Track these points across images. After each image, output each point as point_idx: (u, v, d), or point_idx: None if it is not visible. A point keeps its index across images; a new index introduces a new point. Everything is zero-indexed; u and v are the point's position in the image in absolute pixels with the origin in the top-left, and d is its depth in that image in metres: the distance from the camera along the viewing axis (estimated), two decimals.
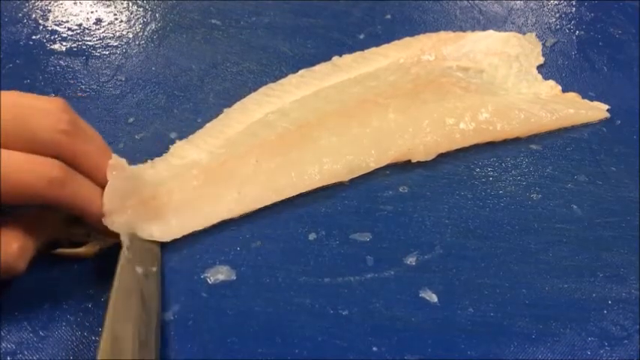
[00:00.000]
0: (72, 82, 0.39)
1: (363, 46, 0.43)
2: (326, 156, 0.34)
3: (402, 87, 0.39)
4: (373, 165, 0.35)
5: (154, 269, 0.29)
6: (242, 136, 0.35)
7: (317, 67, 0.41)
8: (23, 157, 0.25)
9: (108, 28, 0.44)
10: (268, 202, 0.33)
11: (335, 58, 0.41)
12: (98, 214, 0.28)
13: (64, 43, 0.42)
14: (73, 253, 0.29)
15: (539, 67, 0.43)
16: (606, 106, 0.40)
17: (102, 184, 0.28)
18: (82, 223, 0.29)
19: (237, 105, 0.38)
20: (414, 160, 0.35)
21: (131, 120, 0.37)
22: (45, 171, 0.25)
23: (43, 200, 0.26)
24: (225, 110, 0.37)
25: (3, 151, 0.25)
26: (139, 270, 0.28)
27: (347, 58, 0.42)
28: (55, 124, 0.26)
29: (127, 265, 0.28)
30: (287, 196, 0.33)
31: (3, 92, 0.26)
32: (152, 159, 0.34)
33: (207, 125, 0.36)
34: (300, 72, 0.40)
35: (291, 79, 0.40)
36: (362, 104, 0.37)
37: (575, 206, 0.34)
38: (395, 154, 0.35)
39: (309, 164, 0.34)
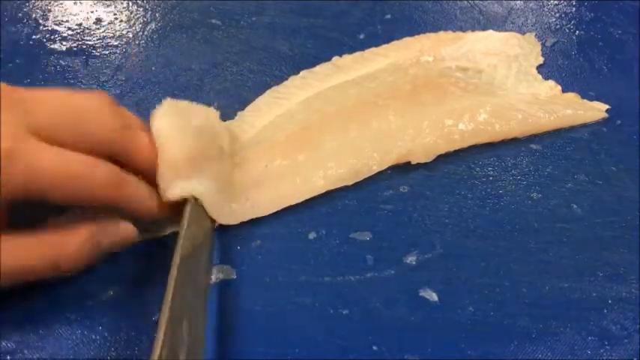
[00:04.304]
0: (72, 82, 0.39)
1: (363, 46, 0.43)
2: (330, 161, 0.34)
3: (401, 88, 0.39)
4: (376, 168, 0.34)
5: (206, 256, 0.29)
6: (255, 139, 0.35)
7: (318, 68, 0.41)
8: (82, 158, 0.25)
9: (108, 28, 0.44)
10: (275, 209, 0.33)
11: (335, 59, 0.41)
12: (149, 213, 0.28)
13: (64, 43, 0.42)
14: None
15: (539, 67, 0.43)
16: (606, 106, 0.40)
17: (152, 177, 0.29)
18: None
19: (250, 107, 0.38)
20: (413, 162, 0.35)
21: None
22: (101, 173, 0.26)
23: (98, 201, 0.26)
24: (239, 113, 0.37)
25: (64, 150, 0.25)
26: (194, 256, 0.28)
27: (347, 58, 0.42)
28: (107, 123, 0.27)
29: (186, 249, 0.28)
30: (293, 203, 0.33)
31: (53, 91, 0.27)
32: None
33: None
34: (302, 73, 0.40)
35: (294, 80, 0.40)
36: (361, 105, 0.37)
37: (575, 206, 0.34)
38: (395, 157, 0.35)
39: (314, 169, 0.34)
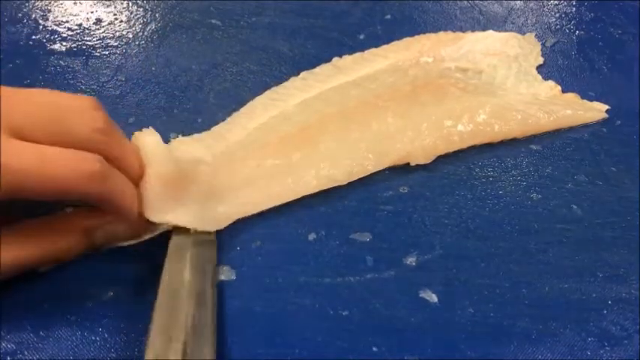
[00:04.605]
0: (72, 82, 0.39)
1: (362, 46, 0.43)
2: (324, 161, 0.34)
3: (401, 89, 0.39)
4: (371, 169, 0.34)
5: (209, 262, 0.29)
6: (245, 140, 0.35)
7: (318, 69, 0.41)
8: (64, 152, 0.25)
9: (108, 28, 0.44)
10: (265, 208, 0.32)
11: (335, 60, 0.41)
12: (133, 211, 0.28)
13: (64, 43, 0.42)
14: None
15: (539, 67, 0.43)
16: (605, 107, 0.40)
17: (133, 182, 0.29)
18: None
19: (245, 109, 0.38)
20: (412, 164, 0.35)
21: (131, 120, 0.37)
22: (86, 165, 0.25)
23: (83, 195, 0.26)
24: (233, 114, 0.37)
25: (44, 147, 0.25)
26: (190, 262, 0.29)
27: (347, 59, 0.42)
28: (91, 122, 0.26)
29: (176, 257, 0.29)
30: (284, 202, 0.33)
31: (37, 90, 0.27)
32: None
33: (214, 128, 0.36)
34: (302, 74, 0.40)
35: (294, 81, 0.40)
36: (362, 106, 0.37)
37: (575, 206, 0.35)
38: (393, 158, 0.35)
39: (306, 169, 0.34)
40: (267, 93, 0.39)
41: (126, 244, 0.30)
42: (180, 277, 0.28)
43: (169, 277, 0.28)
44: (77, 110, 0.26)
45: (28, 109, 0.25)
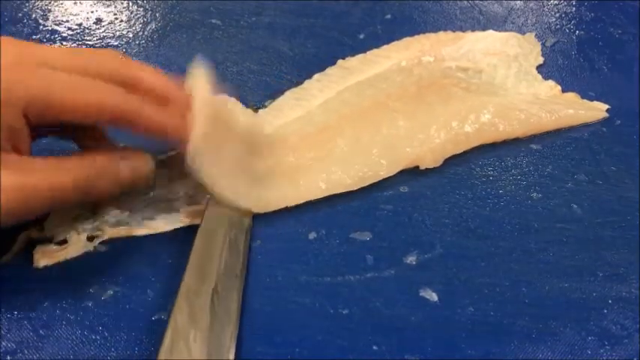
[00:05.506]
0: None
1: (363, 46, 0.43)
2: (337, 165, 0.34)
3: (408, 89, 0.39)
4: (383, 174, 0.34)
5: (241, 236, 0.31)
6: (270, 137, 0.35)
7: (330, 71, 0.41)
8: (86, 78, 0.27)
9: (108, 28, 0.44)
10: (274, 209, 0.33)
11: (341, 61, 0.41)
12: (161, 128, 0.29)
13: (64, 43, 0.42)
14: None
15: (540, 67, 0.43)
16: (606, 106, 0.40)
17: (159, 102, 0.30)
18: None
19: (273, 105, 0.38)
20: (422, 167, 0.35)
21: None
22: (108, 89, 0.27)
23: (108, 116, 0.27)
24: (260, 112, 0.38)
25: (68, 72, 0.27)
26: (222, 235, 0.30)
27: (352, 60, 0.41)
28: (111, 56, 0.29)
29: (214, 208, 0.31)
30: (294, 204, 0.33)
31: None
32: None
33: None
34: (316, 76, 0.40)
35: (311, 83, 0.40)
36: (375, 106, 0.37)
37: (575, 206, 0.35)
38: (404, 163, 0.35)
39: (318, 172, 0.34)
40: (289, 93, 0.39)
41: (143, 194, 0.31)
42: (216, 224, 0.30)
43: (206, 224, 0.30)
44: (98, 50, 0.31)
45: (58, 48, 0.30)
